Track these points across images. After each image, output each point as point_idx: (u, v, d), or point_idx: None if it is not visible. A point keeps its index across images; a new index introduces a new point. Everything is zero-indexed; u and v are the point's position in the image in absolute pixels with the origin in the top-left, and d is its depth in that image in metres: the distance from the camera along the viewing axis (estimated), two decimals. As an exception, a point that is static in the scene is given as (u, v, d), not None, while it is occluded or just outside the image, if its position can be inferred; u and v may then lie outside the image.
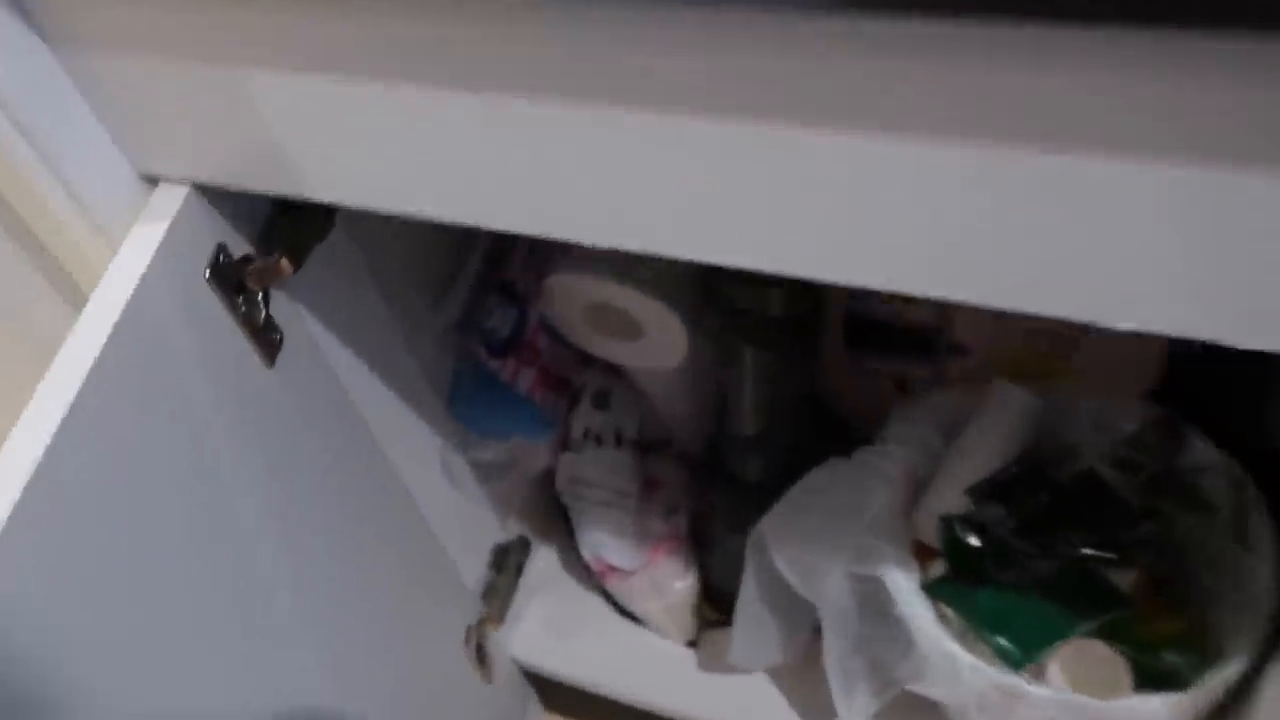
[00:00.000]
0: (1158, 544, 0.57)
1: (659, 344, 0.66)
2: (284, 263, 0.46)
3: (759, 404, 0.63)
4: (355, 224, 0.55)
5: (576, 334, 0.69)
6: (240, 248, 0.45)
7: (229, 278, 0.44)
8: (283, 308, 0.49)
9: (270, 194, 0.41)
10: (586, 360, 0.76)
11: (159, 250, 0.40)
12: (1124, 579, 0.55)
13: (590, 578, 0.81)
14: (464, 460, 0.70)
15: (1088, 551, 0.56)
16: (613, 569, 0.78)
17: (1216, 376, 0.65)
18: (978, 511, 0.58)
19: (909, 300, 0.65)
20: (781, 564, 0.62)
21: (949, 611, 0.56)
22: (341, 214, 0.53)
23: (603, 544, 0.77)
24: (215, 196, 0.43)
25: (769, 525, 0.63)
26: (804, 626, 0.67)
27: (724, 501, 0.76)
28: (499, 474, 0.75)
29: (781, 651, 0.69)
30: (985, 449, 0.60)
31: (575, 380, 0.75)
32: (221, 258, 0.43)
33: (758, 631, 0.69)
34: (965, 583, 0.57)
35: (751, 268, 0.34)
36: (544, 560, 0.86)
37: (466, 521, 0.73)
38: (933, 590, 0.56)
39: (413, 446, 0.64)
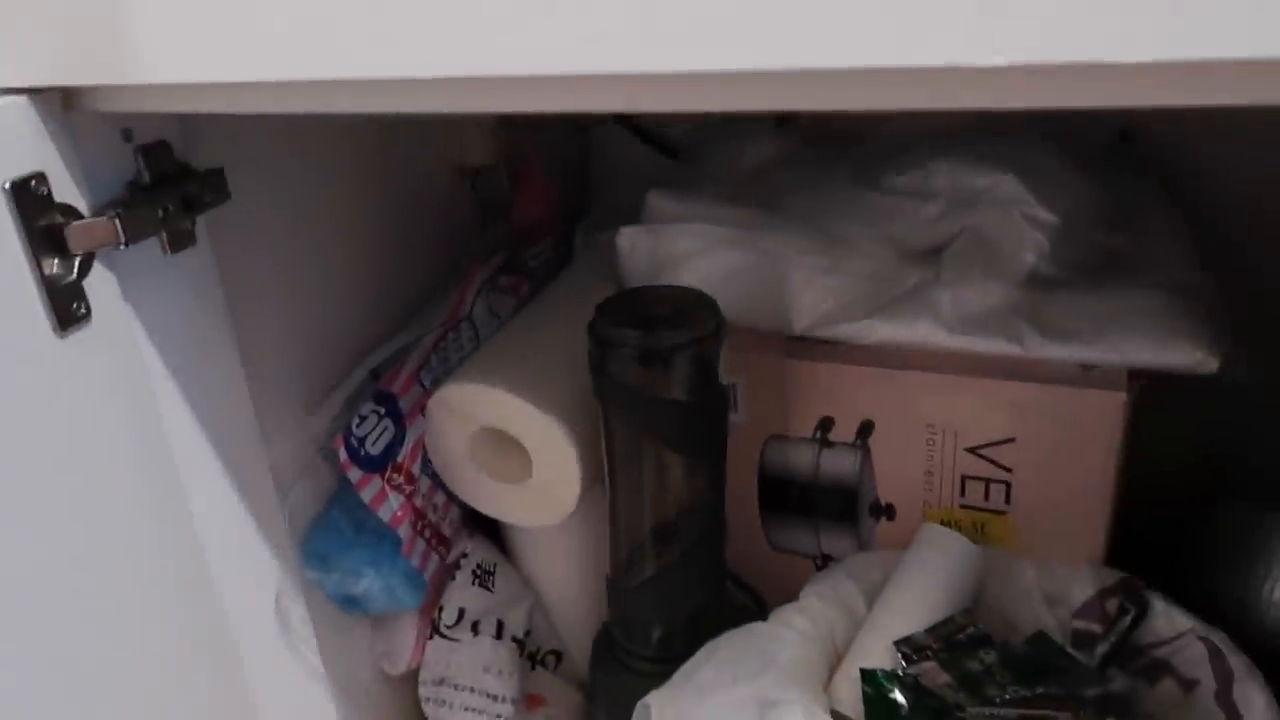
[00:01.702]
0: (1126, 704, 0.46)
1: (549, 486, 0.59)
2: (116, 225, 0.40)
3: (660, 525, 0.54)
4: (234, 292, 0.50)
5: (458, 473, 0.61)
6: (70, 196, 0.40)
7: (34, 208, 0.38)
8: (108, 301, 0.42)
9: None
10: (470, 527, 0.67)
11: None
12: (1090, 738, 0.44)
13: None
14: (306, 618, 0.59)
15: (1042, 711, 0.44)
16: (472, 800, 0.63)
17: (1160, 548, 0.58)
18: (908, 669, 0.48)
19: (826, 440, 0.59)
20: (667, 738, 0.49)
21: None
22: (222, 287, 0.49)
23: (463, 762, 0.62)
24: (62, 131, 0.39)
25: (655, 695, 0.51)
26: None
27: (612, 711, 0.63)
28: (347, 650, 0.62)
29: None
30: (914, 598, 0.51)
31: (454, 545, 0.65)
32: (34, 183, 0.38)
33: None
34: (893, 746, 0.45)
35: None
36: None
37: (297, 700, 0.59)
38: (853, 749, 0.44)
39: (240, 563, 0.53)
